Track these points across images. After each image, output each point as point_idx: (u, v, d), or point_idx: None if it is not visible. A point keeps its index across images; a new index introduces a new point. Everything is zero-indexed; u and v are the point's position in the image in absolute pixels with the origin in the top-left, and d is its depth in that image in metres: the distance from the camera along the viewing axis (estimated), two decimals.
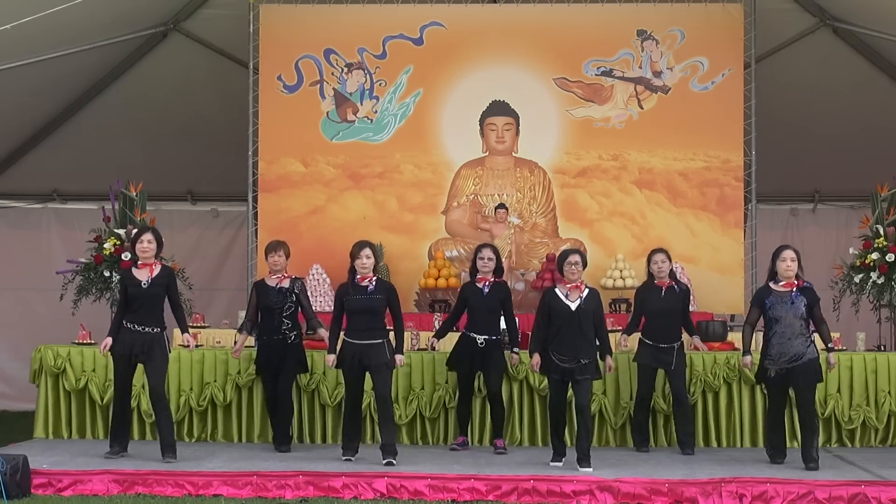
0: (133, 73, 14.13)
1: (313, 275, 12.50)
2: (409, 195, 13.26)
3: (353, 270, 9.72)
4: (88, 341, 11.21)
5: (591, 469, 9.11)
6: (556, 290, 9.55)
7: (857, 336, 11.33)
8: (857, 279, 11.81)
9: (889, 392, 10.83)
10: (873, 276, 11.70)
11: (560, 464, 9.41)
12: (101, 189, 12.85)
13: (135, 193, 12.07)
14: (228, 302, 14.13)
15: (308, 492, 8.63)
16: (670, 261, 10.57)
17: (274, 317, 10.26)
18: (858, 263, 11.85)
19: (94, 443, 10.53)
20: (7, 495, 8.20)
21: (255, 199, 13.19)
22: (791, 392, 9.73)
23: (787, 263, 9.48)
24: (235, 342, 10.62)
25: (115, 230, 11.90)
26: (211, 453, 10.00)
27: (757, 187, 13.01)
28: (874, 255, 11.73)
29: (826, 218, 15.05)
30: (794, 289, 9.47)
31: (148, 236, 9.75)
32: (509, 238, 12.68)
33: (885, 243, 11.71)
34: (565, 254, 9.62)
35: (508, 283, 12.48)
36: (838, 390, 10.86)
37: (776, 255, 9.58)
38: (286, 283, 10.34)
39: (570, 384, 9.52)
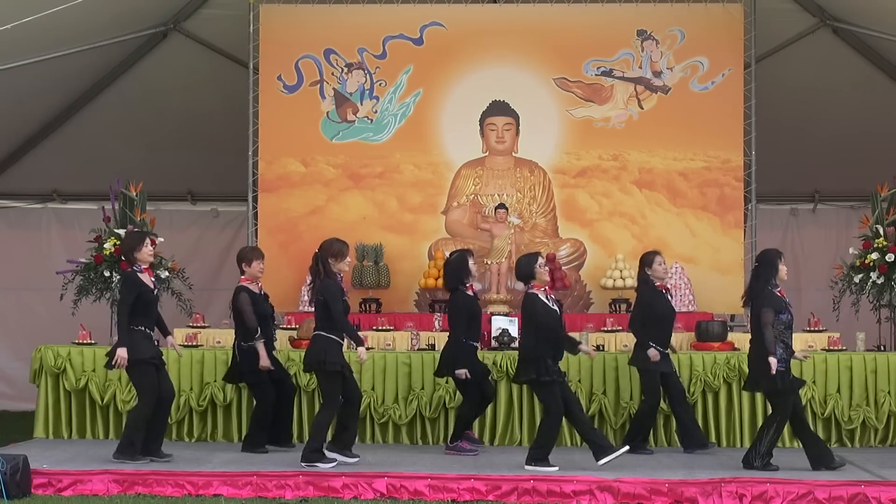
0: (133, 73, 14.14)
1: None
2: (409, 195, 13.25)
3: (329, 267, 9.41)
4: (88, 341, 11.20)
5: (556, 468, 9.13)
6: (539, 295, 9.42)
7: (857, 336, 11.33)
8: (857, 279, 11.81)
9: (889, 392, 10.84)
10: (873, 276, 11.69)
11: (612, 454, 9.16)
12: (101, 189, 12.85)
13: (135, 193, 12.06)
14: (228, 302, 14.09)
15: (308, 492, 8.63)
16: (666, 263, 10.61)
17: (269, 325, 10.25)
18: (858, 263, 11.84)
19: (94, 443, 10.54)
20: (7, 495, 8.20)
21: (255, 199, 13.19)
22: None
23: (786, 269, 9.49)
24: (260, 355, 10.06)
25: (115, 230, 11.90)
26: (211, 453, 9.99)
27: (757, 187, 13.02)
28: (874, 255, 11.72)
29: (826, 218, 15.06)
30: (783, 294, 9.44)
31: (153, 239, 9.75)
32: (509, 238, 12.67)
33: (885, 243, 11.70)
34: (533, 257, 9.48)
35: (507, 283, 12.54)
36: (838, 390, 10.87)
37: (778, 259, 9.40)
38: (262, 291, 10.35)
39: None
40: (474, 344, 10.19)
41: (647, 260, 10.45)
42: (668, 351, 10.39)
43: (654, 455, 10.17)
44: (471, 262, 10.18)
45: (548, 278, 9.44)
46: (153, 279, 9.65)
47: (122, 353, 9.23)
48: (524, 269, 9.49)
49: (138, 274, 9.51)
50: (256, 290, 10.23)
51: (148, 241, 9.66)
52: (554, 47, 13.17)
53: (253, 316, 10.05)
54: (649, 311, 10.32)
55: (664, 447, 10.72)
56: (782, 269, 9.40)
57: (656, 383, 10.29)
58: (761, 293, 9.34)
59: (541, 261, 9.46)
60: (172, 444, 10.41)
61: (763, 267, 9.43)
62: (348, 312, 9.52)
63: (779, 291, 9.37)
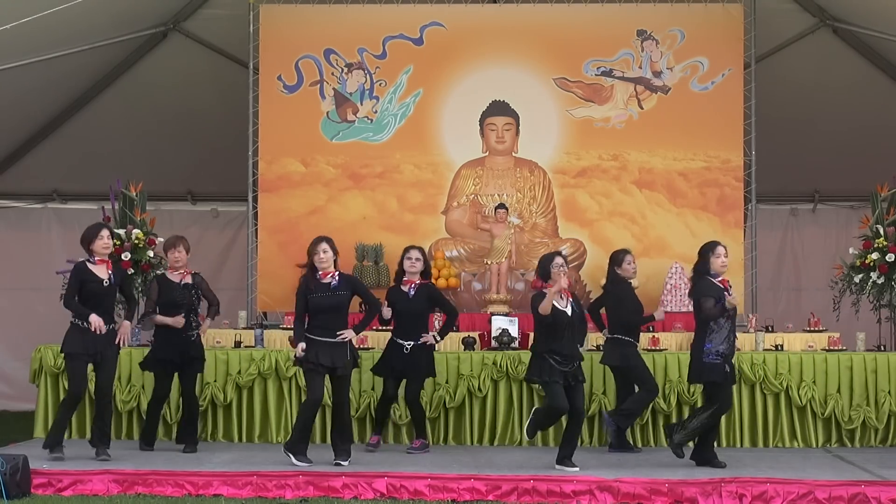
0: (133, 73, 14.13)
1: None
2: (409, 195, 13.25)
3: (312, 267, 9.53)
4: None
5: (578, 468, 9.11)
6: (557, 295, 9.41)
7: (857, 336, 11.34)
8: (857, 279, 11.81)
9: (889, 392, 10.85)
10: (873, 276, 11.70)
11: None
12: (101, 189, 12.84)
13: (135, 193, 12.06)
14: (228, 302, 13.94)
15: (308, 492, 8.63)
16: None
17: (179, 313, 10.21)
18: (858, 263, 11.85)
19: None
20: (7, 495, 8.20)
21: (255, 199, 13.19)
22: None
23: (723, 259, 9.55)
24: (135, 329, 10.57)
25: (116, 230, 11.88)
26: (211, 453, 10.01)
27: (757, 187, 13.01)
28: (874, 255, 11.73)
29: (826, 218, 15.06)
30: (728, 284, 9.54)
31: (104, 232, 9.74)
32: (509, 238, 12.67)
33: (885, 243, 11.70)
34: (550, 256, 9.53)
35: (507, 283, 12.54)
36: (838, 390, 10.88)
37: (711, 251, 9.56)
38: (189, 279, 10.30)
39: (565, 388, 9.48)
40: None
41: (616, 259, 10.61)
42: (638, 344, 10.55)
43: (654, 455, 10.19)
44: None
45: (558, 279, 9.33)
46: (110, 272, 9.65)
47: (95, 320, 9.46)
48: (542, 268, 9.54)
49: (88, 264, 9.63)
50: (176, 280, 10.30)
51: (104, 232, 9.71)
52: (554, 47, 13.17)
53: (149, 303, 10.23)
54: (620, 307, 10.40)
55: (664, 447, 10.70)
56: (715, 261, 9.53)
57: (647, 372, 10.38)
58: (697, 284, 9.60)
59: (557, 260, 9.43)
60: (173, 443, 10.42)
61: (700, 260, 9.66)
62: (331, 308, 9.48)
63: (720, 281, 9.50)
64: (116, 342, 9.59)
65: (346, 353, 9.46)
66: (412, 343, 10.23)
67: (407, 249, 10.47)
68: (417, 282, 10.32)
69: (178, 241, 10.38)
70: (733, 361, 9.60)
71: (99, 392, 9.68)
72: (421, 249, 10.51)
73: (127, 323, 9.69)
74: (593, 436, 10.80)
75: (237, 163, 13.36)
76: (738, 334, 11.20)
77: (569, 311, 9.39)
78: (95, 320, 9.43)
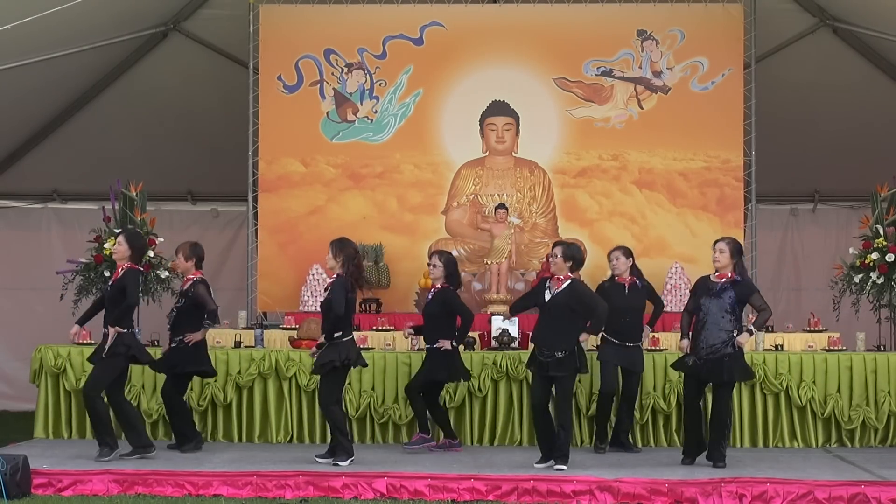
0: (133, 73, 14.14)
1: (313, 275, 12.49)
2: (409, 195, 13.26)
3: None
4: (89, 341, 11.19)
5: (565, 468, 9.07)
6: (547, 283, 9.52)
7: (857, 336, 11.34)
8: (856, 279, 11.81)
9: (889, 392, 10.85)
10: (873, 276, 11.70)
11: (544, 465, 9.24)
12: (101, 189, 12.84)
13: (135, 193, 12.06)
14: (228, 302, 14.01)
15: (308, 492, 8.63)
16: (626, 258, 10.59)
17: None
18: (858, 263, 11.85)
19: (94, 443, 10.44)
20: (7, 495, 8.20)
21: (255, 199, 13.20)
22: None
23: (715, 256, 9.57)
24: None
25: (115, 230, 11.89)
26: (211, 453, 10.00)
27: (757, 187, 13.02)
28: (874, 255, 11.73)
29: (826, 218, 15.07)
30: (723, 280, 9.50)
31: (119, 238, 9.77)
32: (509, 238, 12.66)
33: (884, 243, 11.70)
34: (552, 245, 9.69)
35: (507, 283, 12.53)
36: (838, 390, 10.88)
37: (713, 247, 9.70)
38: (187, 286, 10.22)
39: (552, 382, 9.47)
40: None
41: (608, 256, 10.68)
42: (626, 344, 10.35)
43: (654, 455, 10.18)
44: None
45: (554, 269, 9.43)
46: (116, 277, 9.65)
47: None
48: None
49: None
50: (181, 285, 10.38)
51: (117, 239, 9.84)
52: (554, 47, 13.18)
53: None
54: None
55: (664, 447, 10.72)
56: (712, 257, 9.61)
57: (608, 374, 10.26)
58: None
59: (554, 251, 9.49)
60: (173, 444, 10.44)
61: None
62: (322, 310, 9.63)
63: (717, 276, 9.55)
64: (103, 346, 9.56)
65: (324, 355, 9.37)
66: (428, 347, 10.28)
67: (429, 255, 10.53)
68: (439, 286, 10.35)
69: (178, 249, 10.32)
70: (710, 357, 9.39)
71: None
72: (440, 254, 10.47)
73: (111, 330, 9.55)
74: (593, 436, 10.78)
75: (237, 163, 13.37)
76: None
77: (546, 297, 9.35)
78: (71, 330, 9.94)
